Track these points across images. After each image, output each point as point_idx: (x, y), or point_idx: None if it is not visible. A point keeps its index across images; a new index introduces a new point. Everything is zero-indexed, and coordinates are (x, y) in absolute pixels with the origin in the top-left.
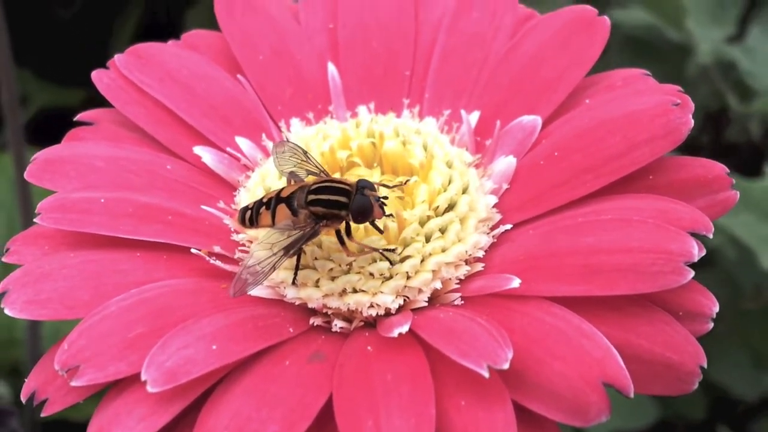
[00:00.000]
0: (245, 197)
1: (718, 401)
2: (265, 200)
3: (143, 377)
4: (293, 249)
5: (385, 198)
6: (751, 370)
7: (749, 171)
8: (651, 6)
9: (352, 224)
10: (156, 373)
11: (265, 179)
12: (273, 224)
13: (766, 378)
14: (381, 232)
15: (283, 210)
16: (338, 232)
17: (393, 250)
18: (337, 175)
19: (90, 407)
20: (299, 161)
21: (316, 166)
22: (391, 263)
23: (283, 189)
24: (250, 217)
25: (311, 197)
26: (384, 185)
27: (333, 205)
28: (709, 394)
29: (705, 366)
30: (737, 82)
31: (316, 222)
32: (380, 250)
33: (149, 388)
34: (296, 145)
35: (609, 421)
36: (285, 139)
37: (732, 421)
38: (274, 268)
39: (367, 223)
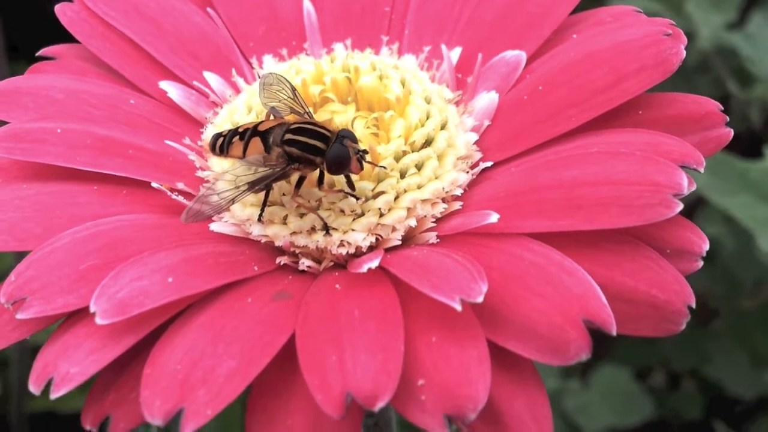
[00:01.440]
0: (211, 133)
1: (715, 400)
2: (240, 130)
3: (92, 309)
4: (258, 186)
5: (365, 152)
6: (749, 369)
7: (750, 157)
8: None
9: (326, 173)
10: (106, 304)
11: (233, 115)
12: (243, 156)
13: (763, 377)
14: (353, 190)
15: (256, 144)
16: (302, 178)
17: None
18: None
19: (76, 400)
20: (285, 97)
21: (302, 107)
22: (356, 198)
23: (261, 122)
24: (221, 144)
25: (288, 136)
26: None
27: (309, 149)
28: (706, 393)
29: (693, 305)
30: (737, 68)
31: (288, 163)
32: (345, 191)
33: (98, 320)
34: (285, 80)
35: (604, 417)
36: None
37: (729, 420)
38: (233, 201)
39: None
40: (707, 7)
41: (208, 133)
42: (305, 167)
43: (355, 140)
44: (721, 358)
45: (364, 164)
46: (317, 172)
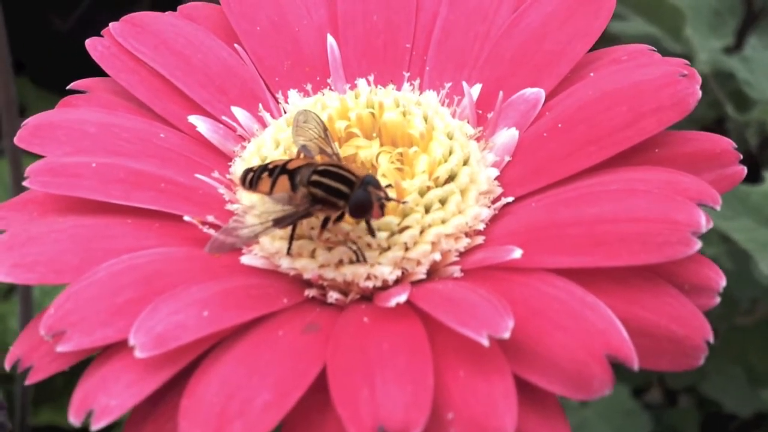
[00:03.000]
0: (241, 167)
1: (712, 417)
2: (270, 166)
3: (131, 342)
4: (282, 223)
5: (388, 200)
6: (746, 386)
7: (746, 181)
8: (651, 17)
9: (347, 217)
10: (145, 338)
11: (261, 149)
12: (270, 193)
13: (760, 394)
14: (373, 234)
15: (283, 182)
16: (325, 220)
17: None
18: (351, 162)
19: None
20: (316, 136)
21: (332, 147)
22: (373, 237)
23: (291, 161)
24: (251, 179)
25: (314, 177)
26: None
27: (333, 192)
28: (703, 410)
29: (711, 341)
30: (735, 91)
31: (311, 204)
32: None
33: (137, 354)
34: (318, 118)
35: None
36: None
37: None
38: (257, 236)
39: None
40: (705, 32)
41: (236, 167)
42: (328, 209)
43: (378, 187)
44: (717, 376)
45: (390, 198)
46: (339, 213)
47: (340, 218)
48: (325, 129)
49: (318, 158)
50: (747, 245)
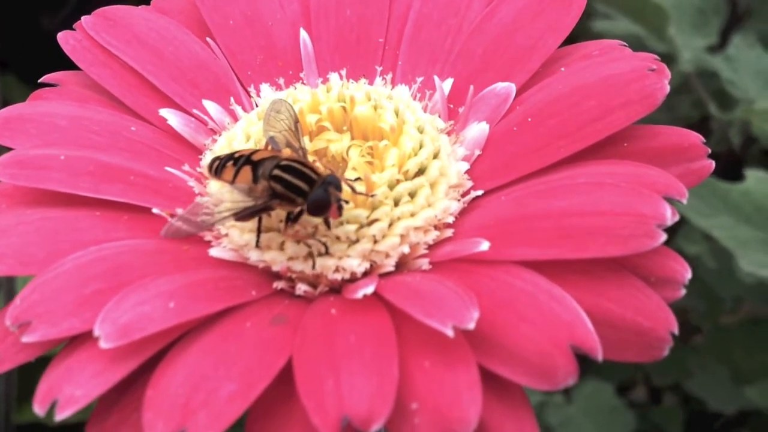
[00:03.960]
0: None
1: (696, 415)
2: (236, 155)
3: (96, 333)
4: (240, 215)
5: (347, 202)
6: (730, 384)
7: (729, 179)
8: (635, 16)
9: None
10: (110, 328)
11: (231, 142)
12: (232, 182)
13: (744, 392)
14: (329, 228)
15: (246, 172)
16: (289, 214)
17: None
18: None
19: None
20: (286, 128)
21: (300, 141)
22: (327, 251)
23: (257, 151)
24: (217, 166)
25: (276, 172)
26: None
27: (293, 189)
28: (687, 408)
29: (676, 332)
30: (718, 90)
31: (271, 197)
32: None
33: (102, 344)
34: (292, 110)
35: (587, 431)
36: (284, 100)
37: None
38: (212, 225)
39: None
40: (689, 31)
41: (206, 160)
42: (287, 204)
43: (339, 188)
44: (702, 374)
45: (359, 192)
46: (297, 209)
47: (300, 215)
48: (296, 122)
49: (284, 152)
50: (727, 243)
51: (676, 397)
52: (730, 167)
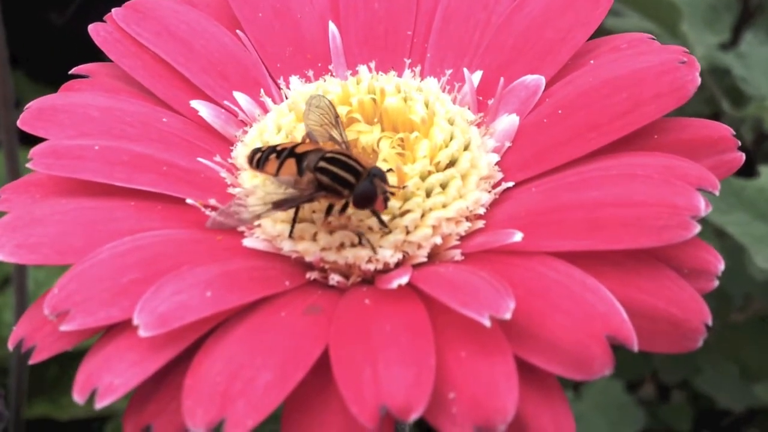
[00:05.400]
0: (242, 153)
1: (705, 412)
2: (278, 148)
3: (135, 321)
4: (284, 206)
5: (392, 194)
6: (739, 381)
7: (742, 176)
8: (647, 13)
9: (350, 206)
10: (148, 317)
11: (263, 134)
12: (276, 175)
13: (752, 390)
14: (384, 225)
15: (290, 165)
16: (330, 206)
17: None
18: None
19: (74, 406)
20: (326, 123)
21: (341, 135)
22: (381, 223)
23: (299, 144)
24: (259, 159)
25: (321, 164)
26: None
27: (339, 181)
28: (696, 406)
29: (710, 323)
30: (730, 87)
31: (316, 189)
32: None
33: (141, 333)
34: (332, 105)
35: (597, 428)
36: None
37: None
38: (258, 217)
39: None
40: (701, 28)
41: (238, 151)
42: (332, 196)
43: (385, 180)
44: (711, 371)
45: (391, 182)
46: (342, 202)
47: (344, 207)
48: (337, 116)
49: (327, 145)
50: (742, 239)
51: (684, 394)
52: (743, 166)
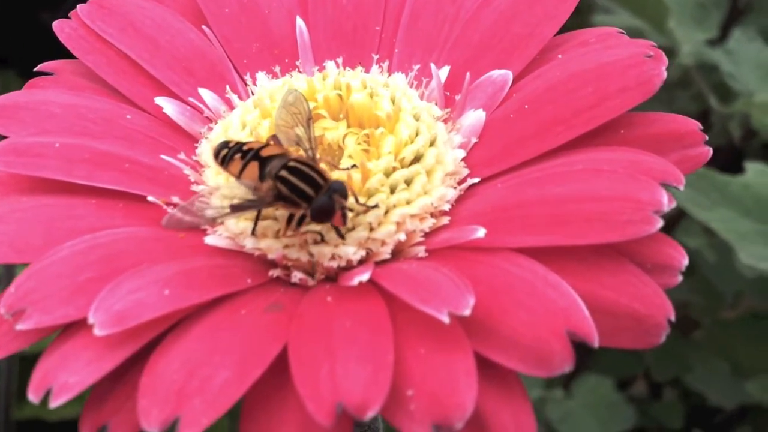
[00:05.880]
0: (207, 149)
1: (696, 410)
2: (245, 148)
3: (90, 320)
4: (242, 211)
5: (350, 210)
6: (730, 378)
7: (730, 173)
8: (635, 10)
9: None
10: (104, 316)
11: (227, 131)
12: (238, 177)
13: (744, 387)
14: (341, 237)
15: (253, 168)
16: (291, 215)
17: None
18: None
19: (64, 409)
20: (296, 124)
21: (311, 141)
22: (339, 235)
23: (266, 146)
24: (224, 155)
25: (282, 173)
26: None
27: (298, 193)
28: (688, 403)
29: (672, 319)
30: (718, 84)
31: (275, 198)
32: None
33: (96, 332)
34: (307, 106)
35: (587, 427)
36: (299, 93)
37: (709, 429)
38: (214, 220)
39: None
40: (689, 24)
41: (203, 148)
42: (291, 207)
43: (345, 196)
44: (702, 368)
45: (354, 178)
46: (301, 212)
47: (302, 218)
48: (310, 118)
49: (292, 151)
50: (727, 235)
51: (676, 392)
52: (730, 160)
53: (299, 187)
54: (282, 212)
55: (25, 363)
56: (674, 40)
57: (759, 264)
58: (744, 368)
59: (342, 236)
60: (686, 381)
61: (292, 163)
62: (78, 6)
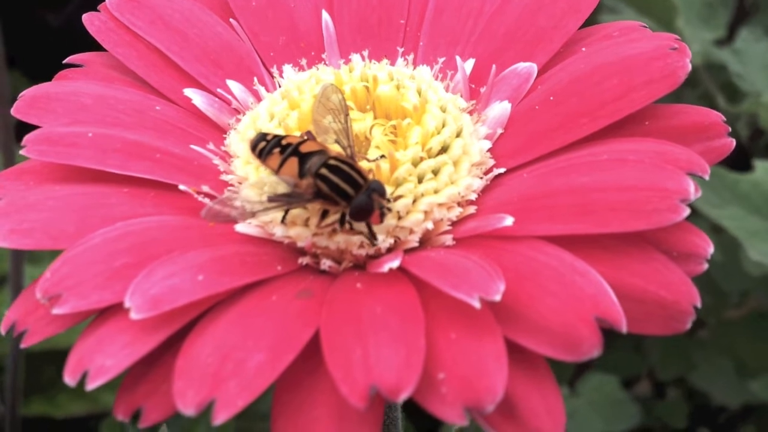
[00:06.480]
0: (236, 140)
1: (701, 409)
2: (283, 142)
3: (127, 304)
4: (281, 205)
5: (389, 209)
6: (735, 377)
7: (737, 172)
8: (642, 9)
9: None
10: (140, 300)
11: (256, 122)
12: (277, 171)
13: (748, 386)
14: (371, 234)
15: (292, 164)
16: (326, 211)
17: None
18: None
19: (71, 404)
20: (334, 119)
21: (348, 138)
22: (372, 241)
23: (305, 142)
24: (262, 149)
25: (323, 171)
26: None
27: (338, 192)
28: (691, 402)
29: (698, 305)
30: (726, 83)
31: (314, 195)
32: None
33: (133, 315)
34: (344, 102)
35: (592, 424)
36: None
37: (714, 429)
38: (253, 214)
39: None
40: (697, 24)
41: (231, 139)
42: (329, 204)
43: (383, 194)
44: (706, 367)
45: (383, 168)
46: (339, 210)
47: (341, 216)
48: (347, 114)
49: (332, 148)
50: (736, 233)
51: (680, 391)
52: (737, 160)
53: (340, 186)
54: (313, 204)
55: (32, 361)
56: (682, 39)
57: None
58: (748, 367)
59: (374, 237)
60: (690, 380)
61: (332, 161)
62: None
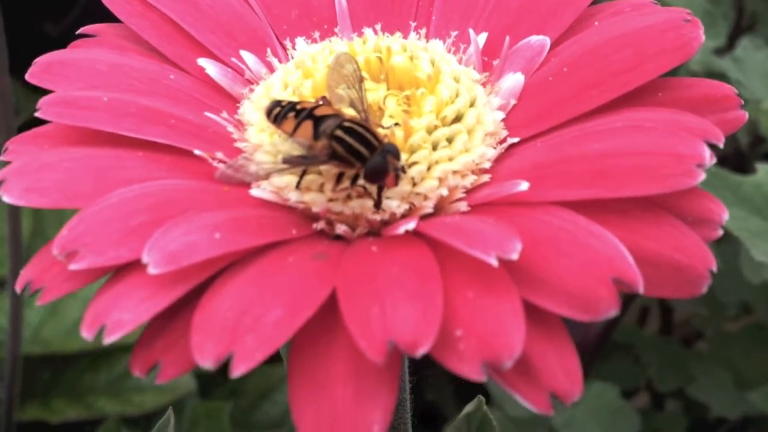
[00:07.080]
0: (250, 109)
1: (699, 421)
2: (298, 107)
3: (145, 259)
4: (296, 166)
5: (404, 171)
6: (733, 389)
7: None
8: None
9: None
10: (158, 255)
11: (269, 91)
12: (292, 135)
13: (747, 398)
14: (379, 199)
15: (307, 127)
16: (341, 174)
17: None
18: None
19: (66, 409)
20: (348, 86)
21: (363, 103)
22: (377, 207)
23: (320, 106)
24: (277, 113)
25: (338, 133)
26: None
27: (353, 153)
28: (690, 414)
29: (714, 270)
30: None
31: (329, 157)
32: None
33: (151, 270)
34: (358, 68)
35: (591, 431)
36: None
37: None
38: (268, 175)
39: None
40: None
41: (245, 108)
42: (344, 166)
43: (398, 157)
44: (705, 379)
45: (397, 135)
46: (353, 172)
47: (354, 178)
48: (361, 81)
49: (346, 111)
50: (739, 234)
51: (679, 403)
52: (738, 168)
53: (354, 147)
54: (328, 168)
55: (28, 366)
56: None
57: None
58: (747, 378)
59: (380, 202)
60: (689, 391)
61: (347, 123)
62: None
